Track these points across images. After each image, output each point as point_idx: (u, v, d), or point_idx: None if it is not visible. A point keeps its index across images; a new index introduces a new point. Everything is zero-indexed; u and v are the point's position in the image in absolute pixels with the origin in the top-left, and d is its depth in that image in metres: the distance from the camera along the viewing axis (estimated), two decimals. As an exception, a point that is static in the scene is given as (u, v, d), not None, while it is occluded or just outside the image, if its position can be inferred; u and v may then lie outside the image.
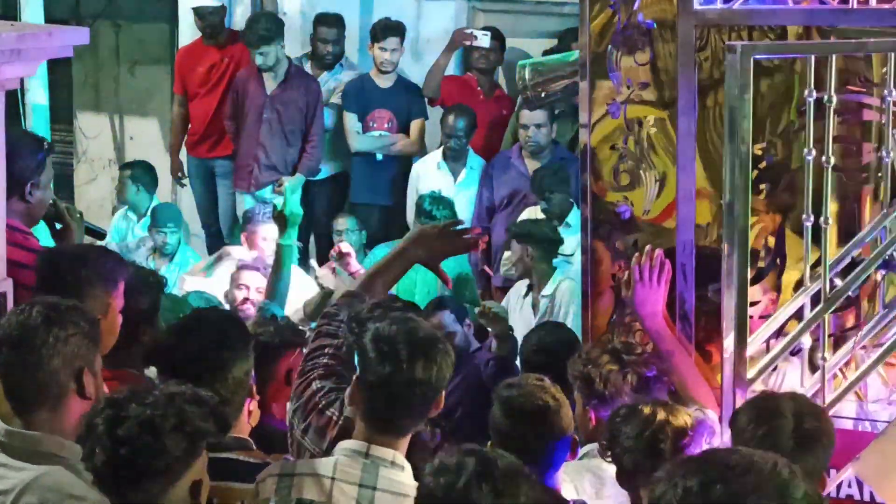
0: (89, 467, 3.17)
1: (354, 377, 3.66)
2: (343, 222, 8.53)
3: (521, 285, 7.85)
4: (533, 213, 8.30)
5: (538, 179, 8.23)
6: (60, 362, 3.56)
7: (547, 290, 7.55)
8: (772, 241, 4.88)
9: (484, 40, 9.20)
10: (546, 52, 8.60)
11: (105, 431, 3.13)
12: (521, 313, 7.78)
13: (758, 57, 4.31)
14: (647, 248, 4.72)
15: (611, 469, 4.24)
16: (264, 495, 3.62)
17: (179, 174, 10.03)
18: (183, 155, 9.99)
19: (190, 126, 9.90)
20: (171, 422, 3.13)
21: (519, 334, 7.42)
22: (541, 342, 5.98)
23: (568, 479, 4.19)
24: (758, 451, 2.46)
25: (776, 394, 4.02)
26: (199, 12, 9.73)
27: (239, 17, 10.09)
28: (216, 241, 9.93)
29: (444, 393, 3.64)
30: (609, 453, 4.04)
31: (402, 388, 3.55)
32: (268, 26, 9.26)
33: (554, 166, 8.36)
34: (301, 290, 7.56)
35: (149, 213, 9.05)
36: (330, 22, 9.55)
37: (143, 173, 9.42)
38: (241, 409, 3.94)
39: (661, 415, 3.94)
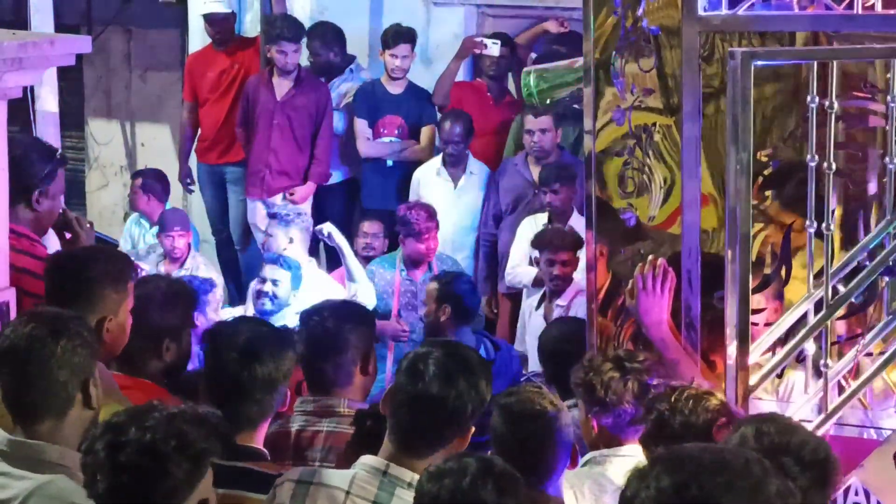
0: (92, 495, 3.15)
1: (389, 388, 3.69)
2: (369, 226, 8.53)
3: (534, 298, 7.86)
4: (533, 221, 8.30)
5: (545, 172, 8.24)
6: (69, 373, 3.58)
7: (563, 301, 7.56)
8: (778, 247, 4.86)
9: (494, 49, 9.18)
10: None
11: (106, 458, 3.11)
12: (530, 323, 7.80)
13: (758, 64, 4.29)
14: (650, 257, 4.72)
15: (612, 476, 4.24)
16: (280, 499, 3.64)
17: (188, 180, 10.04)
18: (193, 162, 10.01)
19: (200, 133, 9.91)
20: (172, 444, 3.11)
21: (530, 346, 7.43)
22: (562, 333, 5.97)
23: (568, 486, 4.19)
24: (728, 447, 2.45)
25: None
26: (208, 19, 9.75)
27: (248, 24, 10.11)
28: (226, 248, 9.95)
29: (472, 427, 3.63)
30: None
31: (427, 408, 3.55)
32: (288, 26, 9.29)
33: (562, 163, 8.38)
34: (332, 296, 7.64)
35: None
36: (315, 32, 9.54)
37: (153, 182, 9.43)
38: (270, 411, 3.97)
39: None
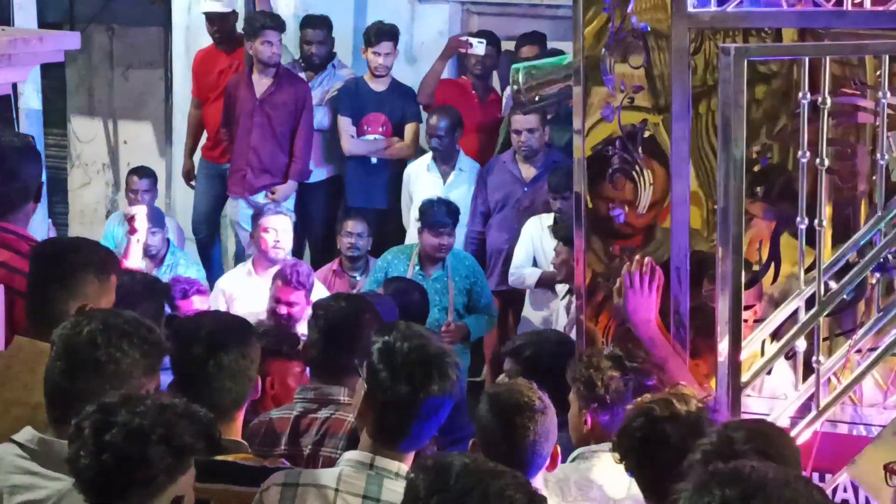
0: (73, 468, 3.15)
1: (363, 392, 3.64)
2: (353, 225, 8.46)
3: (562, 290, 7.84)
4: (538, 221, 8.27)
5: (556, 178, 8.17)
6: (128, 373, 3.55)
7: None
8: (766, 244, 4.86)
9: (479, 48, 9.17)
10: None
11: (91, 435, 3.11)
12: (556, 318, 7.80)
13: (751, 59, 4.28)
14: (637, 256, 4.71)
15: (598, 473, 4.23)
16: None
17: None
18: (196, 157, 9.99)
19: (206, 132, 9.89)
20: (158, 433, 3.11)
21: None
22: (531, 342, 5.96)
23: (553, 481, 4.18)
24: (784, 469, 2.48)
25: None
26: (210, 17, 9.72)
27: (241, 23, 10.07)
28: (207, 248, 9.90)
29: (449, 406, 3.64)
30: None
31: (416, 407, 3.55)
32: (270, 17, 9.28)
33: (568, 168, 8.34)
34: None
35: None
36: (315, 23, 9.53)
37: (151, 179, 9.35)
38: (243, 400, 3.96)
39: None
